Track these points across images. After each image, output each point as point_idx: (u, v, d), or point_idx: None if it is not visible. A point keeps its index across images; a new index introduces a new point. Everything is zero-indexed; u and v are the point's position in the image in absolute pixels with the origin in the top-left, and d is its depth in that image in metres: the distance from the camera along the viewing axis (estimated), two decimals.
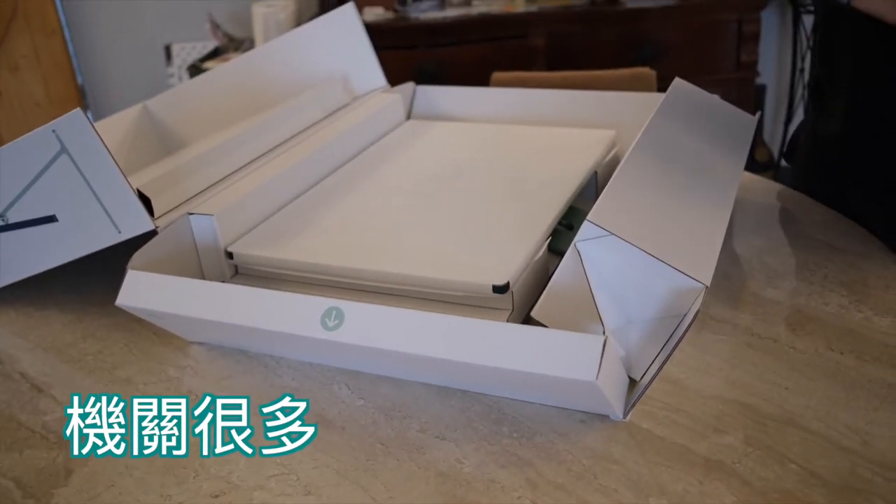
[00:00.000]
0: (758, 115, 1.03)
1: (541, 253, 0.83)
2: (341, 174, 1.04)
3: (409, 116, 1.26)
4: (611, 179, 0.79)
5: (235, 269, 0.89)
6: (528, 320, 0.76)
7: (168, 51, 2.91)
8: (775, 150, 3.22)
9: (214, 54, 2.70)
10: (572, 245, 0.72)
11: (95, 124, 0.83)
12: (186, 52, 2.88)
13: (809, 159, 1.12)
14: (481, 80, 1.88)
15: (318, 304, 0.70)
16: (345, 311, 0.68)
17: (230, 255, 0.87)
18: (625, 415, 0.68)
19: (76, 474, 0.67)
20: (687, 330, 0.67)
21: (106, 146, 0.80)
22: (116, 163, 0.80)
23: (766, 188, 1.10)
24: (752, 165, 2.41)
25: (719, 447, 0.65)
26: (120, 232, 0.83)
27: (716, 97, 1.04)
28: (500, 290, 0.76)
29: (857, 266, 0.88)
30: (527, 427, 0.69)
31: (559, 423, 0.69)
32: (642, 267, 0.70)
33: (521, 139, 1.12)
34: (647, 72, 1.86)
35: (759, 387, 0.71)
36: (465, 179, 0.99)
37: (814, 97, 1.10)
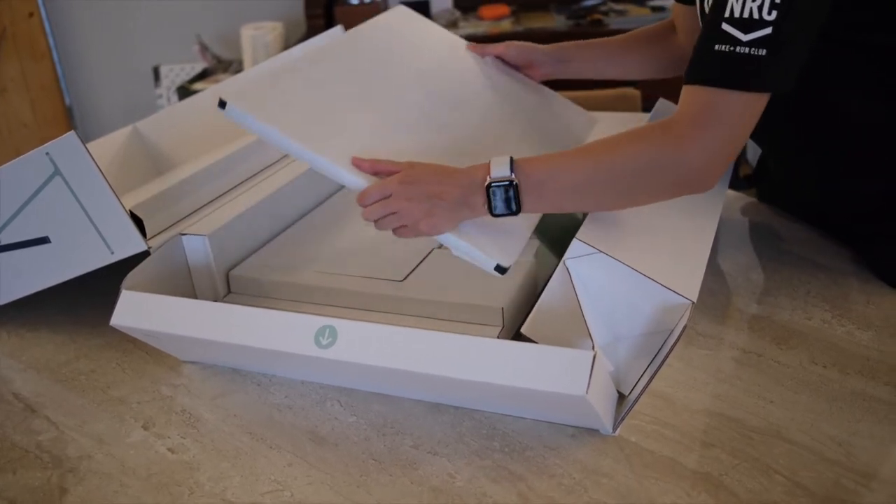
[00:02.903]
0: None
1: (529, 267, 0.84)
2: (332, 203, 1.05)
3: None
4: None
5: (228, 289, 0.90)
6: (518, 337, 0.77)
7: (156, 72, 2.92)
8: None
9: (203, 76, 2.72)
10: (561, 263, 0.74)
11: (87, 146, 0.84)
12: (175, 74, 2.90)
13: (779, 182, 1.14)
14: None
15: (311, 322, 0.71)
16: (338, 329, 0.69)
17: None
18: (614, 429, 0.69)
19: (71, 494, 0.68)
20: (674, 345, 0.69)
21: (99, 168, 0.81)
22: (110, 184, 0.81)
23: (750, 206, 1.12)
24: (736, 182, 2.44)
25: (707, 460, 0.66)
26: (113, 253, 0.84)
27: None
28: (501, 270, 0.76)
29: (839, 282, 0.90)
30: (518, 442, 0.70)
31: (550, 438, 0.70)
32: (630, 284, 0.71)
33: None
34: (632, 92, 1.89)
35: (745, 400, 0.72)
36: None
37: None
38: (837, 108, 0.87)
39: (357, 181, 0.76)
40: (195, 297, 0.89)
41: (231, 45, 2.83)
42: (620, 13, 2.54)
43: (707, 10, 0.85)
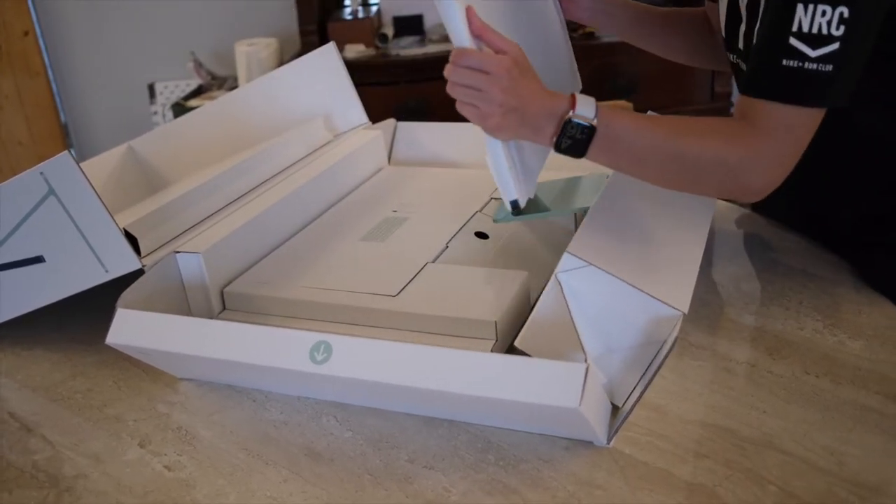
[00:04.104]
0: None
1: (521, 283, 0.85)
2: (326, 219, 1.06)
3: (390, 152, 1.28)
4: (588, 212, 0.81)
5: (223, 305, 0.91)
6: (511, 350, 0.77)
7: (151, 89, 2.93)
8: None
9: (198, 92, 2.73)
10: (553, 276, 0.74)
11: (81, 164, 0.84)
12: (170, 91, 2.91)
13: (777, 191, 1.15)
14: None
15: (306, 338, 0.71)
16: (333, 345, 0.70)
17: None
18: (608, 441, 0.70)
19: None
20: (666, 356, 0.69)
21: (93, 187, 0.81)
22: (104, 204, 0.82)
23: (741, 216, 1.13)
24: None
25: (700, 471, 0.66)
26: (107, 271, 0.84)
27: None
28: (515, 206, 0.77)
29: (830, 291, 0.91)
30: (512, 455, 0.70)
31: (544, 451, 0.70)
32: (622, 296, 0.72)
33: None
34: (623, 104, 1.91)
35: (737, 411, 0.73)
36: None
37: None
38: (844, 118, 0.88)
39: (463, 34, 0.73)
40: (190, 314, 0.89)
41: (226, 62, 2.84)
42: None
43: (744, 11, 0.86)
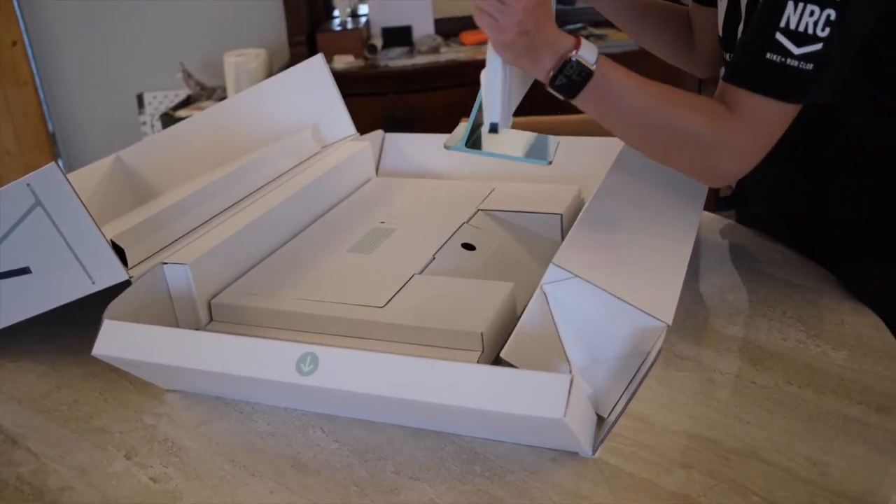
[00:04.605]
0: None
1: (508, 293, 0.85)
2: (314, 230, 1.06)
3: (378, 164, 1.29)
4: (574, 224, 0.82)
5: (210, 317, 0.91)
6: (497, 361, 0.77)
7: (140, 99, 2.93)
8: None
9: (186, 103, 2.73)
10: (539, 287, 0.75)
11: (69, 175, 0.84)
12: (158, 101, 2.91)
13: (759, 198, 1.17)
14: (450, 124, 1.91)
15: (292, 349, 0.71)
16: (319, 356, 0.70)
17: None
18: (594, 451, 0.70)
19: None
20: (651, 367, 0.70)
21: (80, 199, 0.81)
22: (91, 215, 0.82)
23: (727, 228, 1.14)
24: (717, 202, 2.46)
25: (685, 481, 0.67)
26: (94, 283, 0.84)
27: None
28: (494, 129, 0.80)
29: (814, 302, 0.92)
30: (498, 466, 0.70)
31: (530, 462, 0.70)
32: (607, 307, 0.73)
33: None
34: None
35: (722, 421, 0.73)
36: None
37: None
38: (834, 121, 0.89)
39: None
40: (177, 325, 0.89)
41: (214, 72, 2.85)
42: (600, 38, 2.57)
43: (743, 10, 0.87)
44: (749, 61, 0.78)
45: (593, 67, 0.77)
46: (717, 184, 0.85)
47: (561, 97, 0.80)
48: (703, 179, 0.85)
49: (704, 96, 0.83)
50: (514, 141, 0.92)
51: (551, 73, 0.78)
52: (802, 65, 0.75)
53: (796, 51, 0.75)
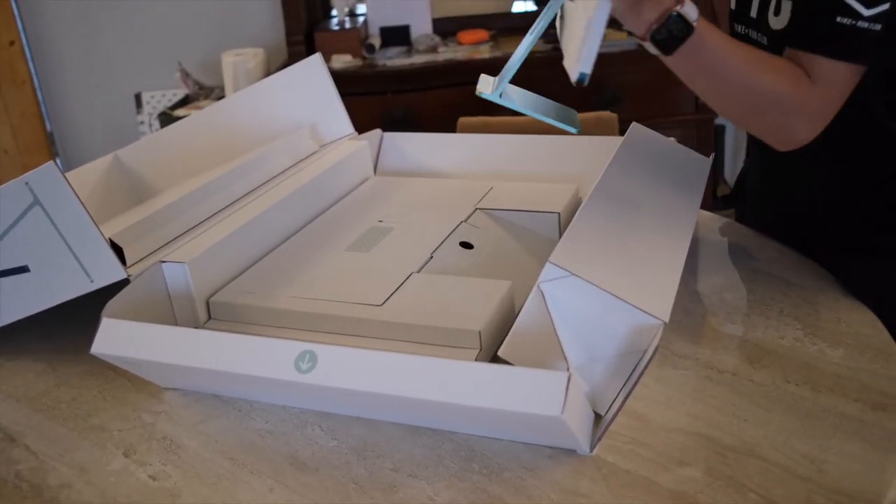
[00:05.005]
0: (711, 156, 1.07)
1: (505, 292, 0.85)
2: (312, 228, 1.06)
3: (376, 163, 1.29)
4: (571, 222, 0.82)
5: (209, 315, 0.91)
6: (495, 359, 0.78)
7: (138, 99, 2.93)
8: None
9: (184, 102, 2.73)
10: (536, 286, 0.75)
11: (67, 174, 0.84)
12: (157, 101, 2.90)
13: (758, 198, 1.17)
14: (449, 124, 1.92)
15: (291, 347, 0.71)
16: (318, 354, 0.70)
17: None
18: (591, 449, 0.70)
19: None
20: (647, 365, 0.70)
21: (78, 197, 0.81)
22: (89, 213, 0.82)
23: (725, 226, 1.14)
24: (715, 202, 2.47)
25: (682, 479, 0.67)
26: (92, 281, 0.85)
27: (671, 140, 1.09)
28: (581, 81, 0.80)
29: (811, 300, 0.92)
30: (496, 463, 0.70)
31: (528, 459, 0.71)
32: (603, 305, 0.73)
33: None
34: (609, 115, 1.91)
35: (719, 419, 0.74)
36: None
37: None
38: (836, 119, 0.90)
39: None
40: (176, 323, 0.89)
41: (212, 72, 2.84)
42: None
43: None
44: (819, 26, 0.80)
45: (695, 24, 0.78)
46: (787, 147, 0.86)
47: (656, 52, 0.81)
48: (777, 143, 0.87)
49: (784, 58, 0.84)
50: (537, 103, 0.92)
51: (654, 27, 0.78)
52: (872, 25, 0.77)
53: (866, 12, 0.77)
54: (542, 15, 0.87)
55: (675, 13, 0.78)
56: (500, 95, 0.88)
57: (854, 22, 0.77)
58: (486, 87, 0.90)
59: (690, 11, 0.79)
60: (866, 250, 0.96)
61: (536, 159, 1.21)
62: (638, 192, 0.93)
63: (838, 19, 0.78)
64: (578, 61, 0.81)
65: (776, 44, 0.89)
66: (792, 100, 0.81)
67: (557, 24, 0.94)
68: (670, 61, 0.82)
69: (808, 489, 0.65)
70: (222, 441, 0.76)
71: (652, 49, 0.82)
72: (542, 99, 0.94)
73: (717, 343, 0.85)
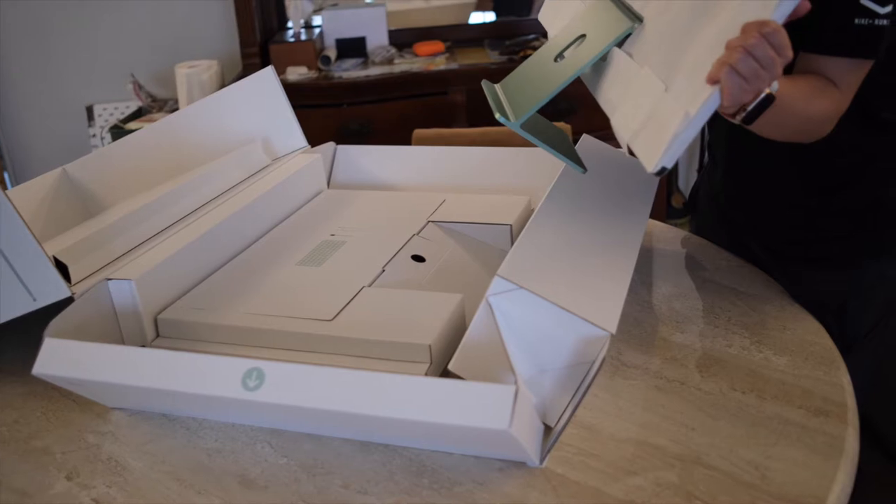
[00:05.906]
0: None
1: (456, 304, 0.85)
2: (263, 243, 1.05)
3: (329, 176, 1.29)
4: (520, 235, 0.82)
5: (157, 333, 0.89)
6: (446, 373, 0.78)
7: (90, 111, 2.88)
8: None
9: (137, 115, 2.69)
10: (484, 299, 0.75)
11: (13, 190, 0.83)
12: (109, 113, 2.86)
13: (709, 209, 1.19)
14: (404, 135, 1.92)
15: (238, 365, 0.71)
16: (265, 371, 0.70)
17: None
18: (541, 461, 0.71)
19: None
20: (595, 376, 0.71)
21: (19, 213, 0.80)
22: (31, 230, 0.80)
23: (676, 237, 1.16)
24: (670, 211, 2.50)
25: (631, 489, 0.68)
26: (35, 300, 0.83)
27: (622, 151, 1.10)
28: (661, 172, 0.76)
29: (758, 309, 0.94)
30: (447, 478, 0.70)
31: (478, 473, 0.71)
32: (551, 318, 0.73)
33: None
34: (563, 127, 1.93)
35: (667, 428, 0.74)
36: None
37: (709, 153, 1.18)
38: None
39: (789, 10, 0.71)
40: (122, 342, 0.88)
41: (166, 84, 2.81)
42: None
43: None
44: (838, 30, 0.83)
45: (776, 93, 0.75)
46: (811, 141, 0.88)
47: (736, 121, 0.78)
48: (802, 141, 0.89)
49: (814, 75, 0.86)
50: (554, 139, 0.92)
51: (748, 108, 0.75)
52: (883, 22, 0.81)
53: (882, 10, 0.81)
54: (586, 61, 0.88)
55: (767, 94, 0.74)
56: (521, 126, 0.86)
57: (872, 21, 0.81)
58: (503, 109, 0.88)
59: (775, 84, 0.75)
60: (810, 259, 0.98)
61: (490, 172, 1.21)
62: (587, 204, 0.94)
63: (857, 21, 0.81)
64: (663, 154, 0.73)
65: None
66: (834, 114, 0.85)
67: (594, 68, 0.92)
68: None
69: (752, 495, 0.66)
70: (169, 461, 0.75)
71: (733, 119, 0.79)
72: (561, 133, 0.95)
73: (666, 353, 0.86)
